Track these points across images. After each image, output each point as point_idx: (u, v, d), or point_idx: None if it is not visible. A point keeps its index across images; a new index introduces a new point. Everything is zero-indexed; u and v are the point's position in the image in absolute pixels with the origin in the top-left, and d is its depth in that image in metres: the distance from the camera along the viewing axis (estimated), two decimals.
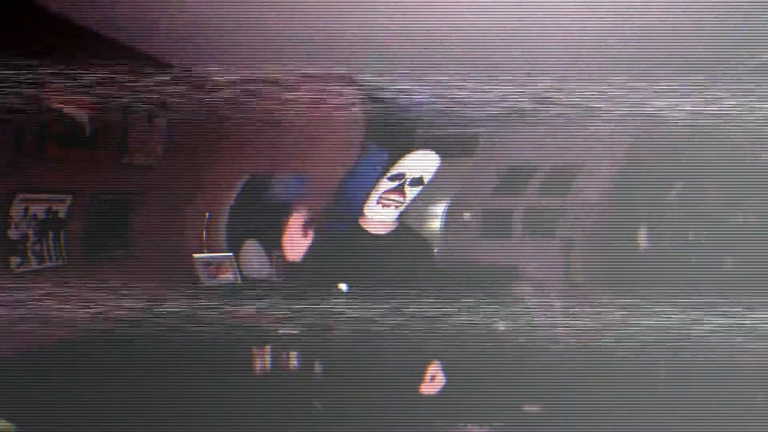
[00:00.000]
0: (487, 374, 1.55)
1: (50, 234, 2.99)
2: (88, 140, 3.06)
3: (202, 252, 4.36)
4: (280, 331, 2.68)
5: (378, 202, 1.97)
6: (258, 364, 3.56)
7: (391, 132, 2.04)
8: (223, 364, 3.14)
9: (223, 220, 4.78)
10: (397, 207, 1.98)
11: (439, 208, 5.18)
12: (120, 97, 3.00)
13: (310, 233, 1.91)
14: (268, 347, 3.38)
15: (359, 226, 2.07)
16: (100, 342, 2.83)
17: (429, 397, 1.72)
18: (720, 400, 2.73)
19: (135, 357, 2.91)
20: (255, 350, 3.43)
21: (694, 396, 2.87)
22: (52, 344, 2.63)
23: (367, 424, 1.65)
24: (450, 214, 5.10)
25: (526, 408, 2.49)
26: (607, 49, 3.47)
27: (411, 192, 1.97)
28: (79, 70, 2.72)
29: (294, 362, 3.32)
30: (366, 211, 2.01)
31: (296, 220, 1.90)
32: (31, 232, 2.85)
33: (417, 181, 1.95)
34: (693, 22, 3.07)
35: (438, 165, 1.98)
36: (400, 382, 1.74)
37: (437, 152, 2.01)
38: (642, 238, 4.51)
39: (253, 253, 4.57)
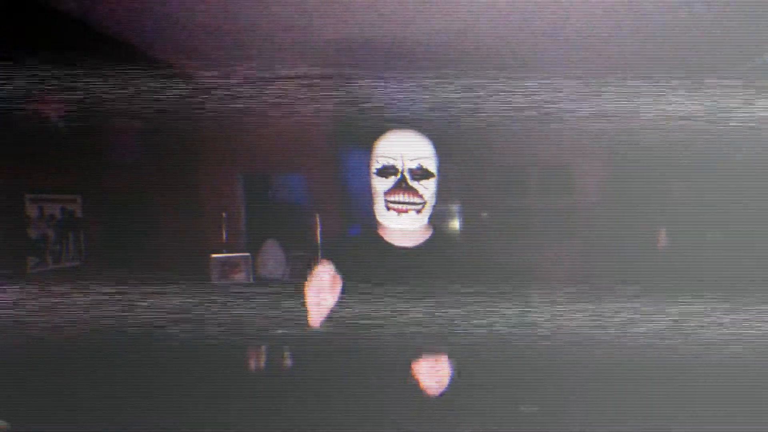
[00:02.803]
0: (484, 374, 1.51)
1: (70, 234, 3.08)
2: (71, 141, 3.08)
3: (219, 252, 4.44)
4: (279, 332, 2.59)
5: (388, 208, 1.56)
6: (261, 364, 3.59)
7: (378, 131, 1.72)
8: (226, 364, 3.18)
9: (242, 220, 4.88)
10: (419, 211, 1.55)
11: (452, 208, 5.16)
12: (107, 97, 3.03)
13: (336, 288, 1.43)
14: (263, 348, 3.42)
15: (379, 236, 1.63)
16: (100, 342, 2.87)
17: (427, 398, 1.44)
18: (725, 401, 2.66)
19: (137, 357, 2.97)
20: (257, 350, 3.48)
21: (696, 397, 2.81)
22: (54, 344, 2.65)
23: (361, 426, 1.60)
24: (466, 214, 5.08)
25: (523, 409, 2.44)
26: (605, 49, 3.43)
27: (424, 187, 1.55)
28: (65, 70, 2.73)
29: (289, 362, 3.35)
30: (380, 219, 1.60)
31: (323, 273, 1.41)
32: (51, 232, 2.93)
33: (422, 173, 1.55)
34: (693, 22, 3.02)
35: (431, 146, 1.58)
36: (397, 385, 1.62)
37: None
38: (658, 239, 4.44)
39: (270, 253, 4.63)
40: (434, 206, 1.61)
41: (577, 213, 4.94)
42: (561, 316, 3.28)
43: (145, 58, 3.71)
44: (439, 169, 1.59)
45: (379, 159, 1.56)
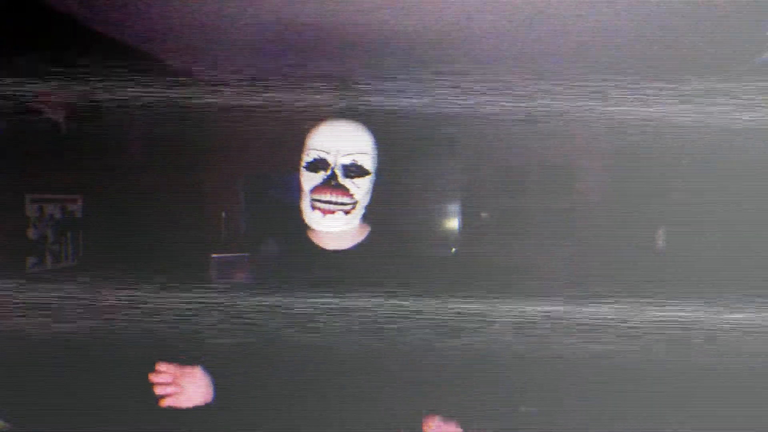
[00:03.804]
0: (484, 374, 1.49)
1: (68, 234, 3.08)
2: (72, 141, 3.09)
3: (219, 252, 4.44)
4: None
5: (313, 207, 1.39)
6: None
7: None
8: (226, 364, 3.15)
9: (240, 220, 4.88)
10: (347, 212, 1.39)
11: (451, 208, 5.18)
12: (108, 98, 3.03)
13: None
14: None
15: (308, 239, 1.48)
16: (101, 341, 2.88)
17: (425, 398, 1.37)
18: (725, 402, 2.67)
19: (136, 357, 2.96)
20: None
21: (696, 398, 2.82)
22: (54, 343, 2.65)
23: (361, 426, 1.58)
24: (465, 214, 5.08)
25: (523, 409, 2.45)
26: (605, 49, 3.44)
27: (356, 186, 1.39)
28: (65, 69, 2.71)
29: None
30: (306, 219, 1.43)
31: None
32: (50, 232, 2.93)
33: (356, 170, 1.38)
34: (692, 22, 3.02)
35: (371, 141, 1.42)
36: (397, 388, 1.44)
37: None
38: (656, 239, 4.45)
39: (269, 253, 4.61)
40: (367, 206, 1.44)
41: (575, 213, 4.95)
42: (560, 315, 3.29)
43: (145, 59, 3.71)
44: (378, 166, 1.43)
45: (310, 152, 1.39)
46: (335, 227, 1.39)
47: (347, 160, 1.37)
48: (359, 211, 1.41)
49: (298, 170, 1.46)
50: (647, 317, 3.02)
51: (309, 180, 1.40)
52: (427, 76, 3.85)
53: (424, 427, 1.27)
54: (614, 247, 4.44)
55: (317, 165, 1.38)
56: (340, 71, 4.06)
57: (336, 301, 1.35)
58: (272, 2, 2.86)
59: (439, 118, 4.03)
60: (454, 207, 5.17)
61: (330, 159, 1.37)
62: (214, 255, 4.37)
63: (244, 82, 4.16)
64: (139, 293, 3.07)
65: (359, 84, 4.07)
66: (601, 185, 4.92)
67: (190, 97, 3.91)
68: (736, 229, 3.40)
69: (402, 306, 1.37)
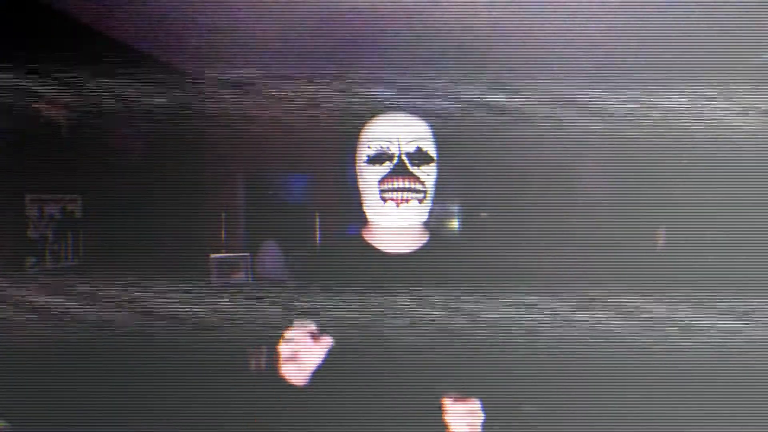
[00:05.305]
0: (486, 374, 1.49)
1: (69, 234, 3.07)
2: (71, 141, 3.08)
3: (218, 252, 4.43)
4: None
5: (384, 199, 1.28)
6: (257, 364, 3.60)
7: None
8: (227, 364, 3.16)
9: (241, 220, 4.87)
10: (421, 201, 1.30)
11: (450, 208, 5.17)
12: (108, 98, 3.02)
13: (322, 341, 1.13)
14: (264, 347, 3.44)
15: (364, 243, 1.37)
16: (102, 341, 2.88)
17: (427, 397, 1.24)
18: (725, 401, 2.68)
19: (137, 357, 2.97)
20: (255, 350, 3.48)
21: (696, 397, 2.83)
22: (54, 343, 2.64)
23: (364, 424, 1.56)
24: (465, 214, 5.08)
25: (526, 408, 2.43)
26: (606, 49, 3.44)
27: (425, 174, 1.30)
28: (64, 70, 2.71)
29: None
30: (374, 215, 1.32)
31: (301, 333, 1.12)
32: (50, 232, 2.93)
33: (422, 157, 1.30)
34: (692, 22, 3.02)
35: (428, 128, 1.35)
36: (400, 383, 1.55)
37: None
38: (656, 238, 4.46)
39: (269, 253, 4.62)
40: (433, 201, 1.34)
41: (577, 213, 4.96)
42: (561, 316, 3.29)
43: (145, 59, 3.71)
44: (439, 154, 1.35)
45: (370, 144, 1.31)
46: (410, 218, 1.30)
47: (411, 147, 1.30)
48: (429, 204, 1.33)
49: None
50: (646, 317, 3.03)
51: (374, 173, 1.30)
52: (429, 75, 3.85)
53: (444, 405, 1.20)
54: (614, 247, 4.45)
55: (381, 156, 1.30)
56: (343, 71, 4.06)
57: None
58: (274, 2, 2.86)
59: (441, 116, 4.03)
60: (453, 207, 5.18)
61: (393, 148, 1.30)
62: (212, 255, 4.37)
63: (244, 82, 4.16)
64: (139, 293, 3.07)
65: (360, 83, 4.08)
66: (601, 185, 4.93)
67: (191, 97, 3.91)
68: (738, 230, 3.40)
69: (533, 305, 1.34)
